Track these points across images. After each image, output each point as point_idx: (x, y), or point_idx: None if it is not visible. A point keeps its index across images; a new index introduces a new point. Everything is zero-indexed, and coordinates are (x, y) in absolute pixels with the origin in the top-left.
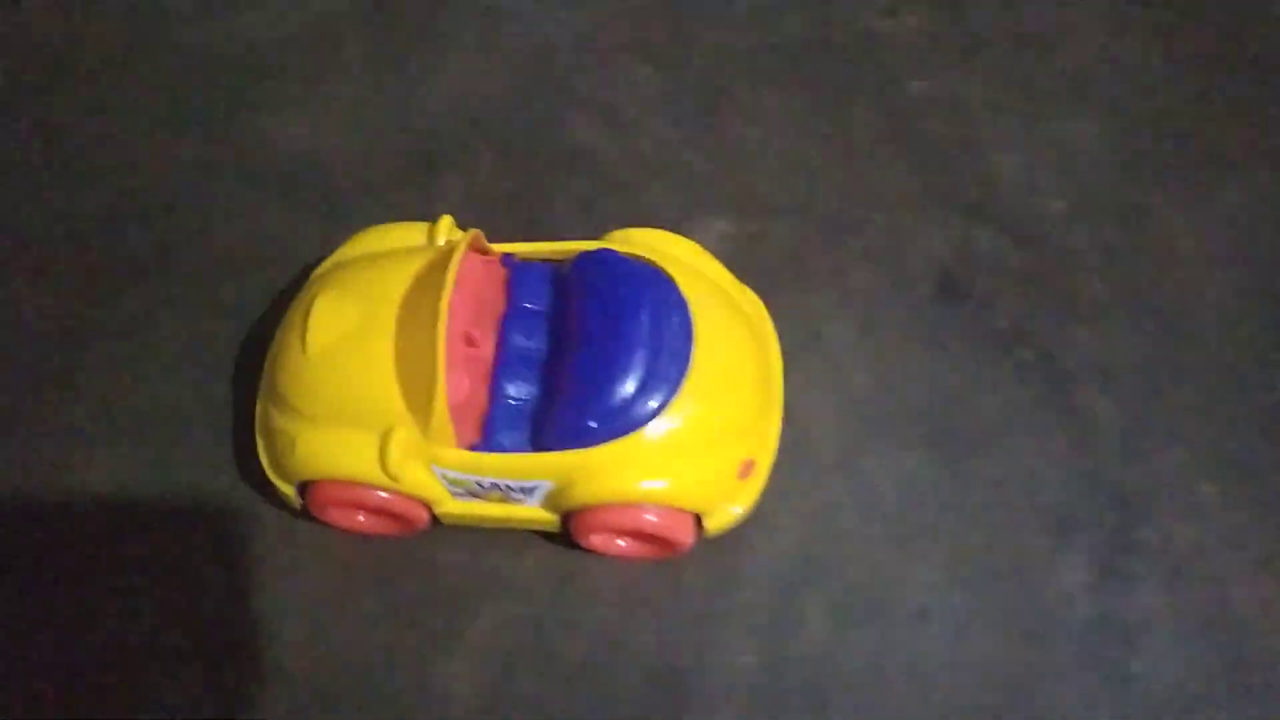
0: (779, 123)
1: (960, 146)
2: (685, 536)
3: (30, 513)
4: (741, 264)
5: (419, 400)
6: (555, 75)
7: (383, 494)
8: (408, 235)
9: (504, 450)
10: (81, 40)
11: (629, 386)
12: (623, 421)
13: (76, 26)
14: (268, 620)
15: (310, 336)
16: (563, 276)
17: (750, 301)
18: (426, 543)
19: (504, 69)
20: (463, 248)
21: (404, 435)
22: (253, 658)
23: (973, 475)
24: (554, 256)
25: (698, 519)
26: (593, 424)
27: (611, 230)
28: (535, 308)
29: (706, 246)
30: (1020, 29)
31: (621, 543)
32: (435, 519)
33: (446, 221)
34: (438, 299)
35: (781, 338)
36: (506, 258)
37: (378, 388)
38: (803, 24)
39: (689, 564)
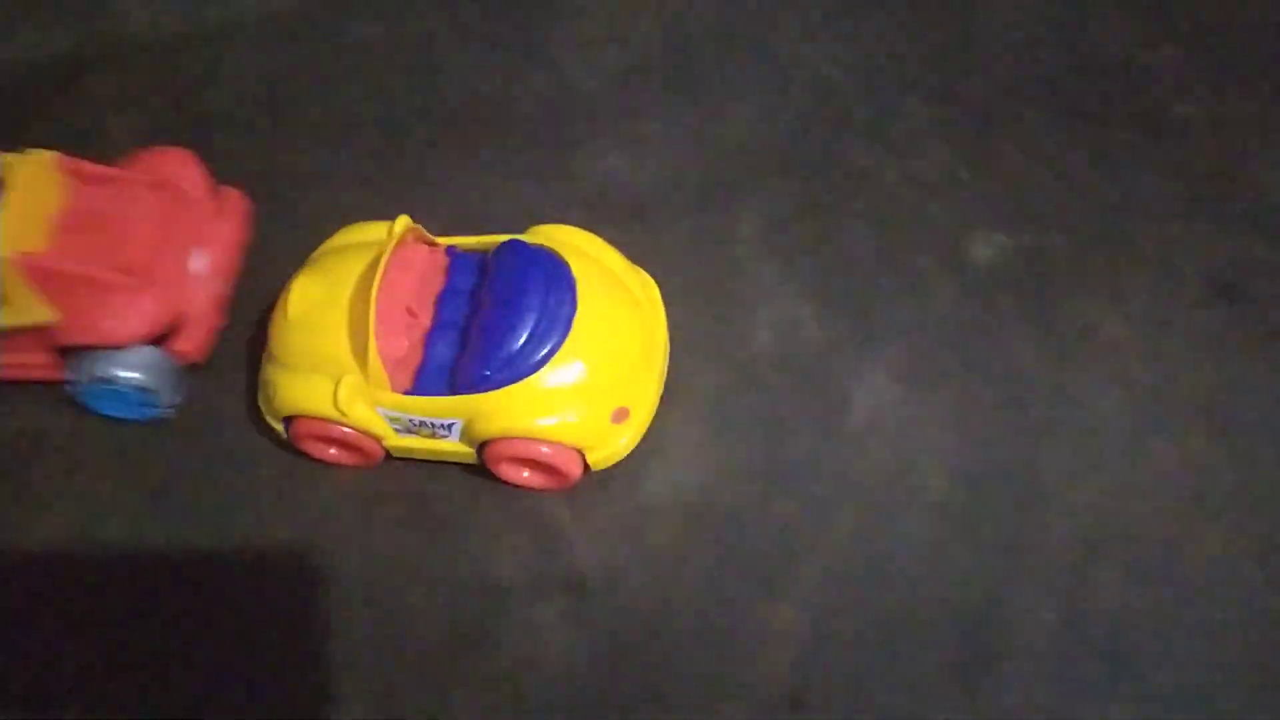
0: (1044, 144)
1: (1227, 163)
2: (573, 468)
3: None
4: (1017, 271)
5: (360, 354)
6: (834, 108)
7: (344, 429)
8: (375, 231)
9: (428, 395)
10: (428, 101)
11: (518, 342)
12: (512, 370)
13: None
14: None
15: (289, 306)
16: (485, 264)
17: (644, 284)
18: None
19: (788, 104)
20: (394, 239)
21: (351, 380)
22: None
23: (1258, 458)
24: (484, 247)
25: (580, 453)
26: (488, 372)
27: (533, 226)
28: (463, 287)
29: (985, 257)
30: None
31: (525, 474)
32: (387, 453)
33: (401, 220)
34: (373, 277)
35: (1057, 334)
36: (450, 249)
37: (334, 344)
38: (1063, 55)
39: (988, 523)
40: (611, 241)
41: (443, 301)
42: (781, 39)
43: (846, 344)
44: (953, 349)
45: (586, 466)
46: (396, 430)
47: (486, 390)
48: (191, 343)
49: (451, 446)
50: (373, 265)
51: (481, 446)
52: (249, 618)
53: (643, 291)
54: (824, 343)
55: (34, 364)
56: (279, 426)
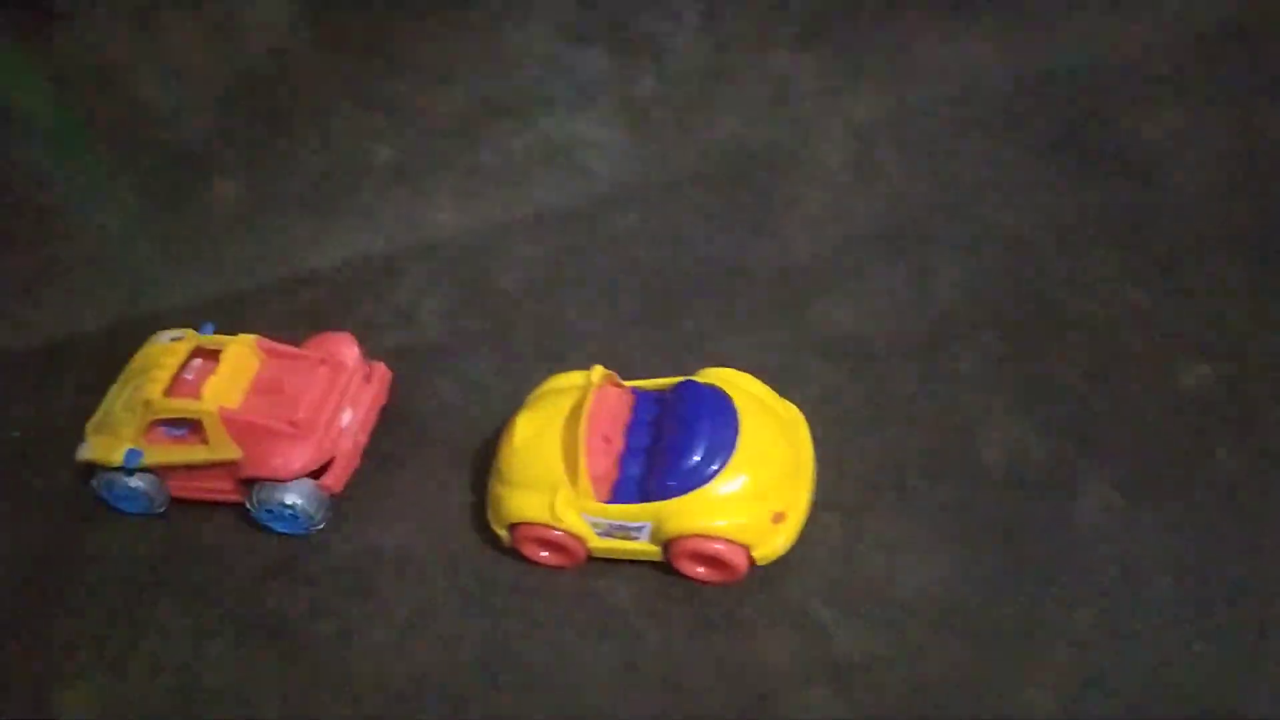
0: (1232, 283)
1: None
2: (741, 561)
3: None
4: (1221, 395)
5: (571, 471)
6: (1033, 260)
7: (556, 532)
8: (575, 378)
9: (624, 503)
10: (679, 271)
11: (695, 457)
12: (690, 480)
13: (672, 265)
14: None
15: (515, 436)
16: (664, 400)
17: (789, 410)
18: None
19: (994, 259)
20: (595, 384)
21: (564, 492)
22: None
23: None
24: (659, 388)
25: (746, 549)
26: (671, 482)
27: (702, 369)
28: (646, 419)
29: (1190, 384)
30: None
31: (700, 569)
32: (589, 553)
33: (598, 369)
34: (580, 413)
35: (1270, 454)
36: (634, 389)
37: (550, 465)
38: (1245, 206)
39: (1215, 620)
40: (847, 381)
41: (630, 431)
42: (985, 206)
43: (1067, 461)
44: (1169, 463)
45: (752, 562)
46: (597, 533)
47: (671, 498)
48: (336, 479)
49: (641, 546)
50: (579, 403)
51: (666, 545)
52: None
53: (789, 416)
54: (1046, 459)
55: (224, 490)
56: (504, 533)
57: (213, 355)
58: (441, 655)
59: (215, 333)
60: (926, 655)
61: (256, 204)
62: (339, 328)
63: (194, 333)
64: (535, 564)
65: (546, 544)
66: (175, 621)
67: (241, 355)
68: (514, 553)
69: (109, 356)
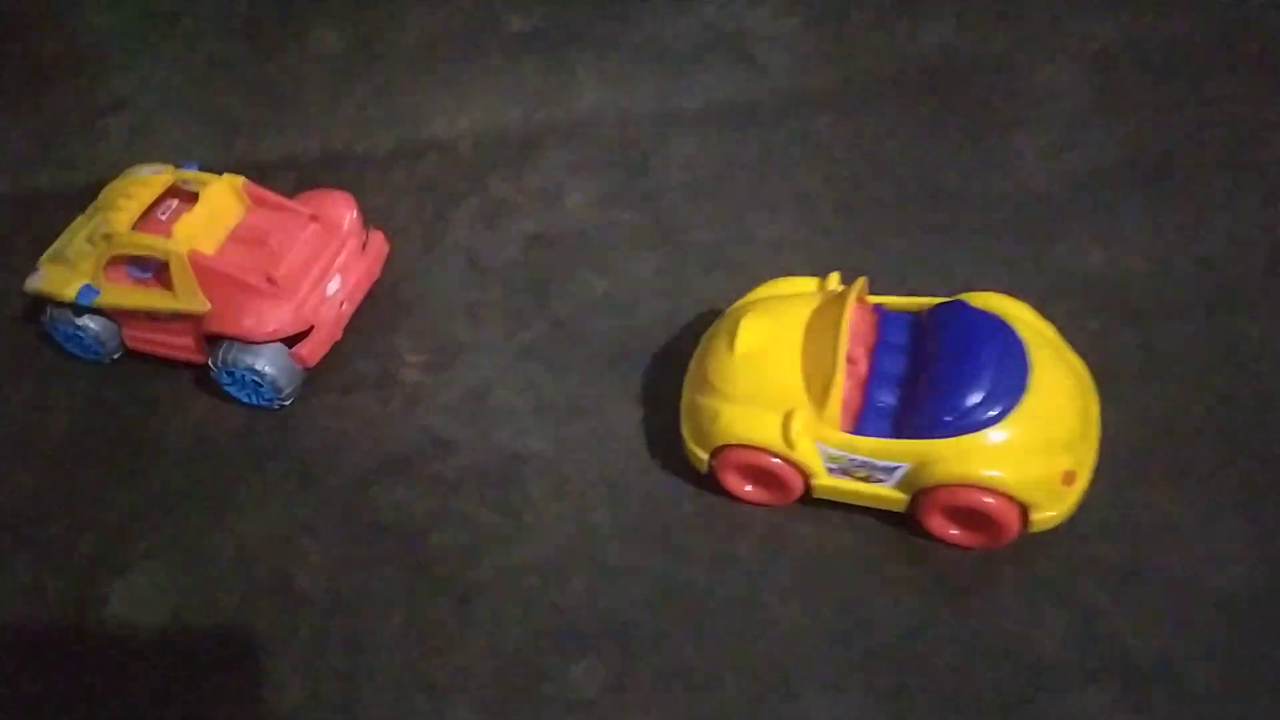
0: None
1: None
2: (1013, 522)
3: None
4: None
5: (816, 391)
6: None
7: (775, 460)
8: (801, 285)
9: (873, 437)
10: (881, 186)
11: (977, 395)
12: (970, 421)
13: (875, 180)
14: None
15: (740, 341)
16: (919, 323)
17: (1072, 354)
18: None
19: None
20: (855, 292)
21: (804, 414)
22: None
23: None
24: (912, 308)
25: (1023, 513)
26: (948, 419)
27: (963, 293)
28: (898, 342)
29: None
30: None
31: (954, 530)
32: (807, 491)
33: (834, 276)
34: (838, 322)
35: None
36: (878, 307)
37: (783, 380)
38: None
39: None
40: (1107, 335)
41: (878, 353)
42: (1270, 154)
43: None
44: None
45: (1024, 526)
46: (829, 470)
47: (942, 437)
48: (312, 350)
49: (883, 491)
50: (821, 313)
51: (919, 494)
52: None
53: (1076, 361)
54: None
55: (185, 347)
56: (703, 454)
57: (192, 199)
58: (603, 591)
59: (199, 170)
60: (1238, 659)
61: (363, 58)
62: (463, 202)
63: (175, 169)
64: (731, 497)
65: (758, 474)
66: (263, 510)
67: (223, 198)
68: (701, 479)
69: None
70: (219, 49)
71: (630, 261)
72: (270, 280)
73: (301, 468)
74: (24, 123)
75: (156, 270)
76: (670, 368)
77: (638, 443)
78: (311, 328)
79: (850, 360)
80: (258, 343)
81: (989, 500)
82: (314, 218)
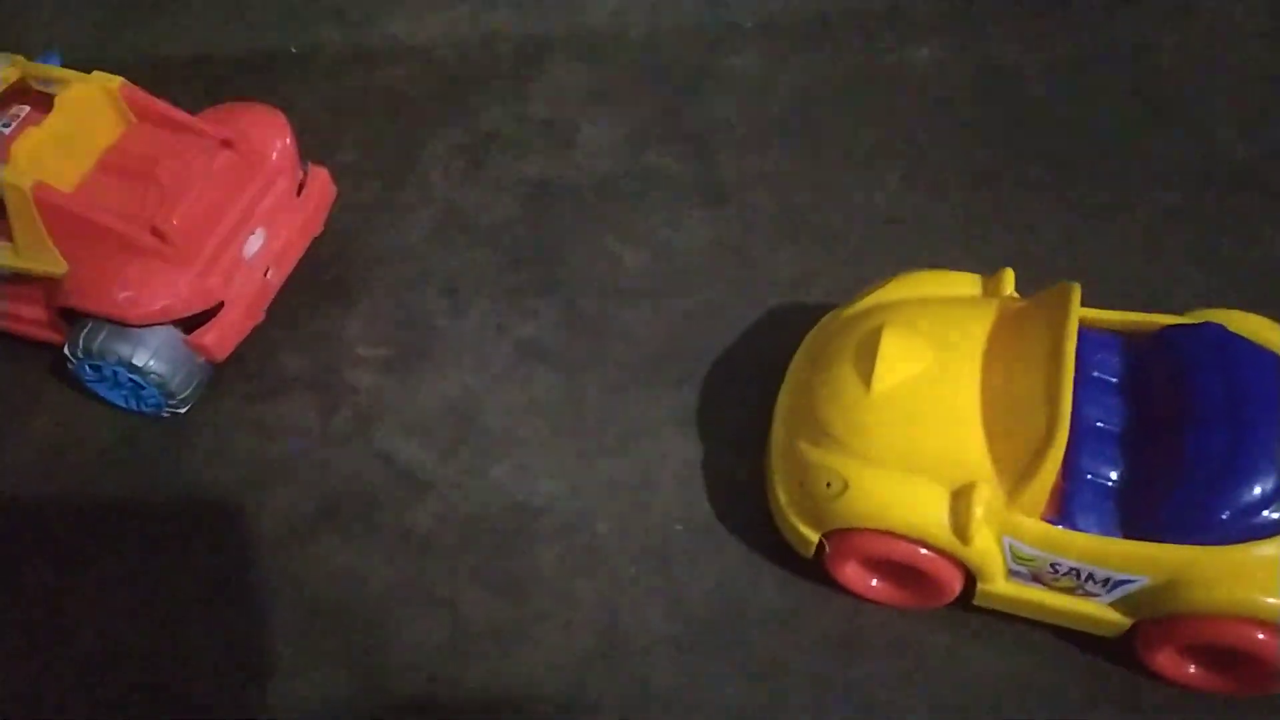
0: None
1: None
2: None
3: None
4: None
5: (1011, 458)
6: None
7: (926, 553)
8: (955, 284)
9: (1083, 531)
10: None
11: (1270, 480)
12: (1263, 518)
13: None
14: None
15: (879, 373)
16: (1141, 349)
17: None
18: None
19: None
20: (1076, 305)
21: (987, 491)
22: None
23: None
24: (1125, 328)
25: None
26: (1225, 515)
27: (1204, 310)
28: (1108, 377)
29: None
30: None
31: (1192, 670)
32: (965, 596)
33: (1009, 275)
34: (1056, 353)
35: None
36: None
37: (961, 438)
38: None
39: None
40: None
41: (1081, 395)
42: None
43: None
44: None
45: None
46: (1015, 574)
47: (1218, 542)
48: (220, 339)
49: (1092, 610)
50: (1018, 332)
51: (1151, 621)
52: None
53: None
54: None
55: (35, 319)
56: (812, 535)
57: (48, 105)
58: None
59: (61, 65)
60: None
61: None
62: (439, 132)
63: (24, 61)
64: (850, 592)
65: (896, 569)
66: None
67: (91, 107)
68: (793, 554)
69: None
70: None
71: (672, 227)
72: (158, 233)
73: (200, 509)
74: None
75: None
76: (738, 380)
77: (695, 493)
78: (220, 305)
79: None
80: (138, 326)
81: (1262, 637)
82: (227, 143)
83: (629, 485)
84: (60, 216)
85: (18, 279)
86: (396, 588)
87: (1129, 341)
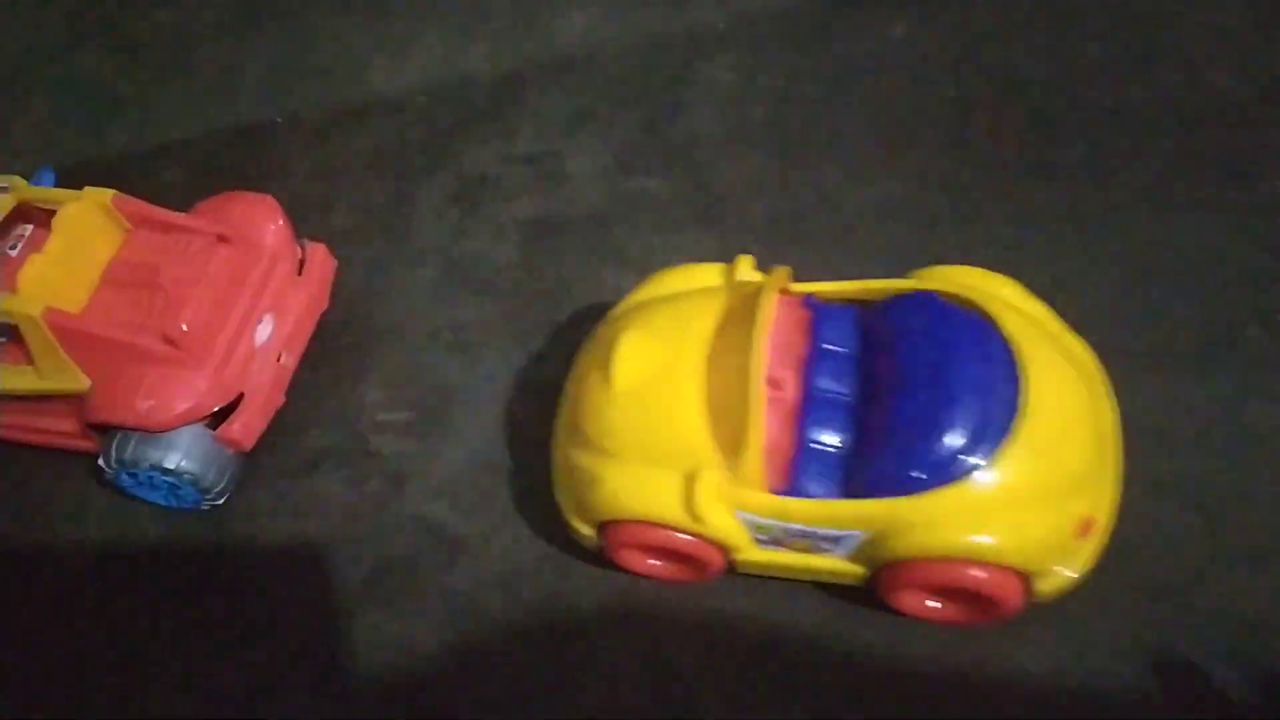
0: None
1: None
2: (1013, 598)
3: None
4: None
5: (729, 441)
6: None
7: (684, 536)
8: (705, 275)
9: (811, 497)
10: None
11: (955, 435)
12: (948, 470)
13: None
14: None
15: (619, 372)
16: (870, 318)
17: (1079, 346)
18: None
19: None
20: (774, 287)
21: (711, 477)
22: None
23: None
24: (859, 297)
25: (1026, 582)
26: (914, 472)
27: (926, 269)
28: (840, 350)
29: None
30: None
31: (933, 603)
32: (730, 565)
33: (746, 261)
34: (749, 339)
35: None
36: (808, 298)
37: (687, 427)
38: None
39: None
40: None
41: (813, 368)
42: None
43: None
44: None
45: (1030, 598)
46: (758, 541)
47: (909, 494)
48: (245, 429)
49: (833, 564)
50: (731, 319)
51: (884, 568)
52: None
53: (1080, 353)
54: None
55: (67, 432)
56: (588, 531)
57: (49, 219)
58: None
59: (56, 184)
60: None
61: None
62: (428, 182)
63: (21, 182)
64: (635, 574)
65: (663, 552)
66: (199, 665)
67: (88, 223)
68: (594, 556)
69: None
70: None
71: (669, 250)
72: (169, 340)
73: (247, 597)
74: None
75: (12, 335)
76: None
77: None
78: (241, 396)
79: (774, 384)
80: (161, 430)
81: (979, 574)
82: (223, 238)
83: None
84: (74, 337)
85: (46, 398)
86: (447, 651)
87: (862, 312)
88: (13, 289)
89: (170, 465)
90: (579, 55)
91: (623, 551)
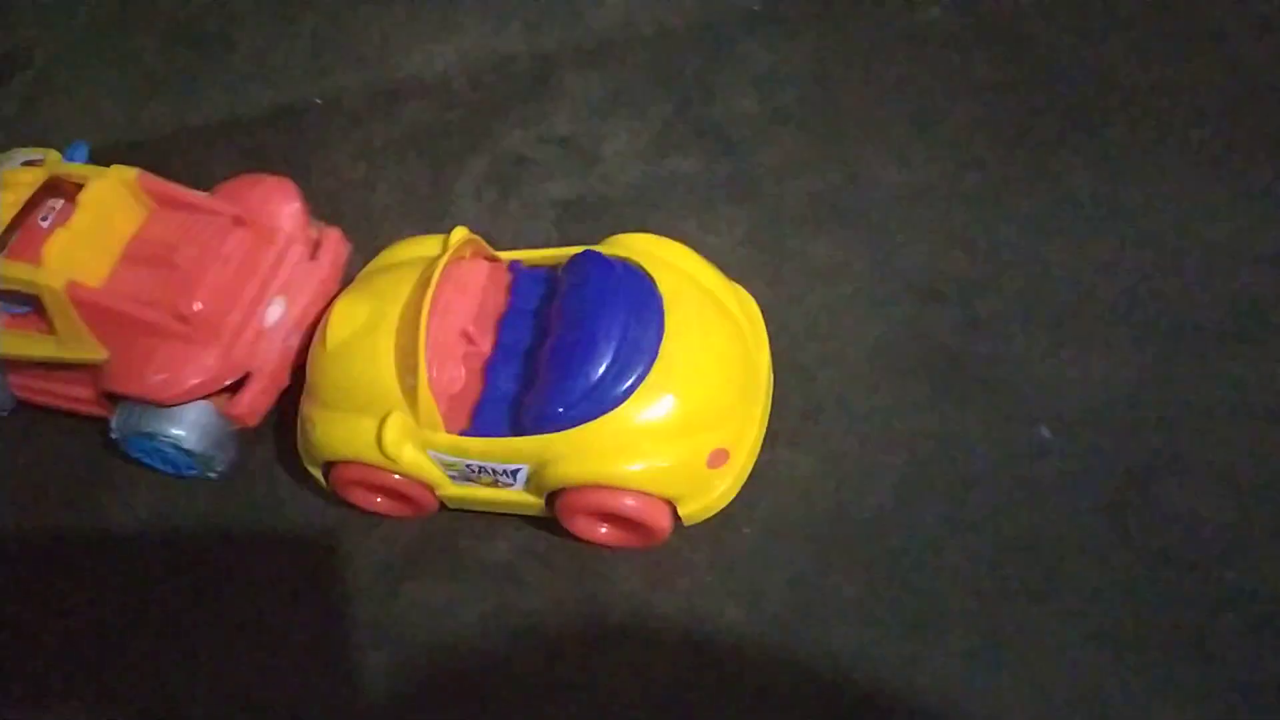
0: None
1: None
2: (662, 521)
3: None
4: None
5: (410, 387)
6: None
7: (393, 475)
8: (425, 246)
9: (486, 436)
10: None
11: (596, 372)
12: (589, 406)
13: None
14: None
15: (328, 334)
16: (556, 280)
17: (743, 301)
18: None
19: None
20: (449, 253)
21: (398, 419)
22: None
23: None
24: (554, 261)
25: (670, 505)
26: (560, 409)
27: (611, 236)
28: (529, 307)
29: None
30: None
31: (603, 529)
32: (441, 502)
33: (459, 232)
34: (423, 300)
35: None
36: (514, 264)
37: (379, 378)
38: None
39: None
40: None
41: (506, 325)
42: None
43: None
44: None
45: (677, 521)
46: (452, 478)
47: (558, 429)
48: (250, 407)
49: (515, 496)
50: (424, 284)
51: (551, 497)
52: None
53: (742, 311)
54: None
55: (82, 398)
56: (318, 473)
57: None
58: None
59: (89, 160)
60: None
61: None
62: (467, 163)
63: (57, 155)
64: (365, 511)
65: (380, 489)
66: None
67: (112, 200)
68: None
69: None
70: None
71: (705, 229)
72: (182, 318)
73: (293, 564)
74: None
75: (35, 305)
76: (783, 378)
77: (759, 493)
78: (248, 375)
79: (469, 339)
80: (170, 403)
81: (627, 501)
82: (239, 220)
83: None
84: (93, 310)
85: (68, 365)
86: (489, 618)
87: (552, 275)
88: (38, 261)
89: (173, 435)
90: (615, 38)
91: (349, 489)
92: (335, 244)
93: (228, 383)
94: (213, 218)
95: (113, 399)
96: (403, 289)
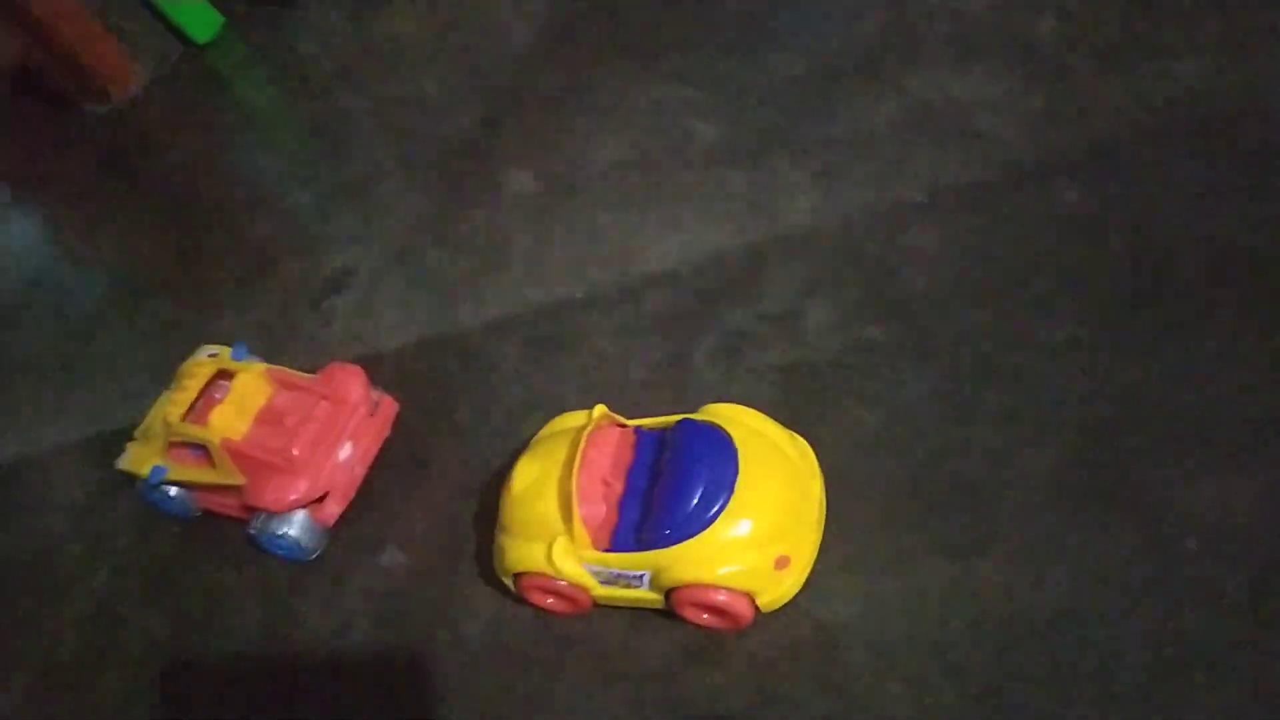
0: None
1: None
2: (745, 610)
3: None
4: None
5: (568, 520)
6: None
7: (560, 582)
8: (574, 419)
9: (620, 552)
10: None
11: (691, 504)
12: (687, 528)
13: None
14: None
15: (514, 484)
16: (664, 441)
17: (800, 447)
18: None
19: None
20: (591, 424)
21: (562, 542)
22: None
23: None
24: (665, 426)
25: (749, 597)
26: (668, 531)
27: (703, 406)
28: (647, 460)
29: None
30: None
31: (705, 616)
32: (593, 600)
33: (599, 409)
34: (574, 457)
35: None
36: (638, 429)
37: (548, 514)
38: None
39: None
40: None
41: (632, 473)
42: None
43: None
44: None
45: (757, 610)
46: (600, 582)
47: (668, 546)
48: (330, 512)
49: (643, 594)
50: (575, 446)
51: (668, 594)
52: None
53: (796, 453)
54: None
55: (233, 507)
56: (509, 582)
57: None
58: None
59: (245, 356)
60: None
61: (557, 195)
62: (700, 338)
63: (227, 351)
64: (539, 609)
65: (551, 592)
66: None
67: (251, 384)
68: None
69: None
70: (420, 206)
71: (895, 386)
72: (287, 459)
73: (342, 650)
74: (256, 309)
75: (205, 450)
76: (979, 513)
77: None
78: (326, 494)
79: (606, 483)
80: (280, 512)
81: (719, 596)
82: (324, 396)
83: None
84: (237, 454)
85: (223, 487)
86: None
87: (663, 435)
88: (206, 424)
89: (282, 532)
90: (807, 230)
91: (530, 592)
92: (387, 406)
93: (315, 498)
94: (308, 394)
95: (250, 510)
96: (560, 450)
